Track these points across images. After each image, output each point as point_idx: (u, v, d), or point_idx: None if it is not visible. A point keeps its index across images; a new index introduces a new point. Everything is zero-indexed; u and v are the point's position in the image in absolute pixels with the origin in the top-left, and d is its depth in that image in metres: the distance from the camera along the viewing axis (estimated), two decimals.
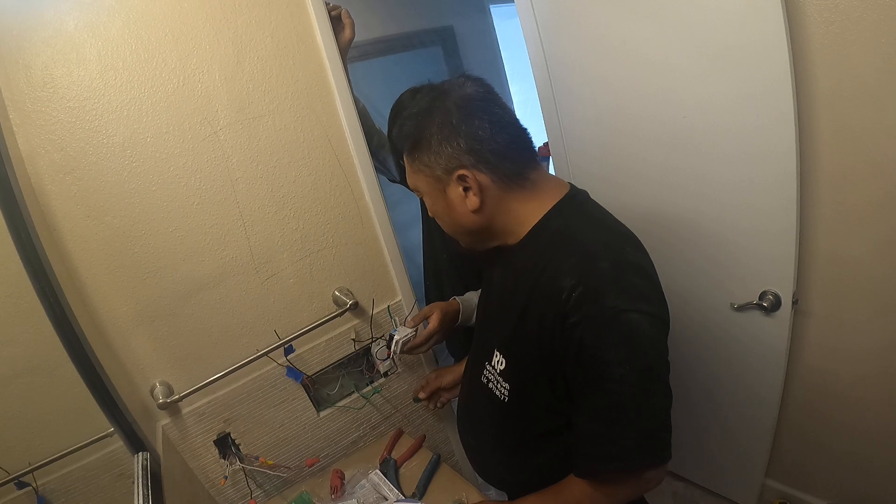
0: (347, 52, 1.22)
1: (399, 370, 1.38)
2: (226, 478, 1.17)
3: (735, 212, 1.24)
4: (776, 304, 1.25)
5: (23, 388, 0.86)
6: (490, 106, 0.74)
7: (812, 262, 1.23)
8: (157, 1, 0.96)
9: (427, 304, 1.21)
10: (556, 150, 1.62)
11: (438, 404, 1.29)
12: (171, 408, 1.09)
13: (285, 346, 1.17)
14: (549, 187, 0.78)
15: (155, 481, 0.90)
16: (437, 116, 0.73)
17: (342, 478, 1.21)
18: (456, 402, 1.17)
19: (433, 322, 1.13)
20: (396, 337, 1.13)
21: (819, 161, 1.12)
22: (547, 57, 1.48)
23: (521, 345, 0.77)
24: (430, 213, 0.84)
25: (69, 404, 0.91)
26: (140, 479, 0.87)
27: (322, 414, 1.29)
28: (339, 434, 1.33)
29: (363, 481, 1.18)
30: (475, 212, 0.75)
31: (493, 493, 1.06)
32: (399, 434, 1.33)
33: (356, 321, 1.29)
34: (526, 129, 0.78)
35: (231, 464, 1.17)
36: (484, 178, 0.73)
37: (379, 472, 1.19)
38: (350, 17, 1.20)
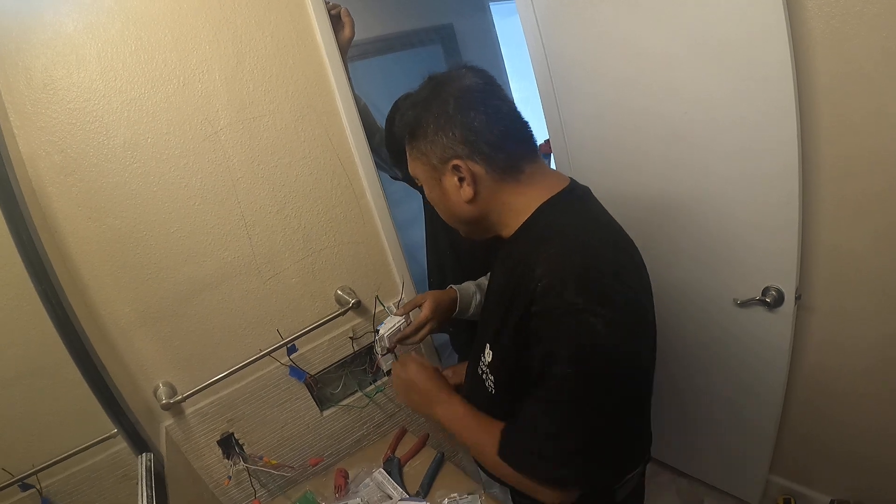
0: (347, 50, 1.22)
1: None
2: (230, 478, 1.17)
3: (737, 206, 1.24)
4: (779, 299, 1.25)
5: (26, 390, 0.86)
6: (489, 97, 0.73)
7: (814, 257, 1.23)
8: (156, 2, 0.96)
9: None
10: (556, 146, 1.62)
11: None
12: (175, 408, 1.09)
13: (288, 345, 1.17)
14: (546, 181, 0.77)
15: (159, 482, 0.90)
16: (435, 106, 0.73)
17: (346, 477, 1.21)
18: None
19: (425, 310, 1.09)
20: (381, 331, 1.09)
21: (820, 154, 1.12)
22: (547, 53, 1.47)
23: (503, 337, 0.77)
24: (427, 200, 0.84)
25: (72, 406, 0.92)
26: (144, 480, 0.87)
27: (325, 413, 1.30)
28: (343, 433, 1.33)
29: (367, 480, 1.18)
30: (469, 202, 0.75)
31: (496, 490, 1.05)
32: (402, 433, 1.33)
33: (359, 320, 1.29)
34: (527, 122, 0.77)
35: (235, 464, 1.17)
36: (478, 169, 0.73)
37: (383, 470, 1.19)
38: (349, 15, 1.20)
